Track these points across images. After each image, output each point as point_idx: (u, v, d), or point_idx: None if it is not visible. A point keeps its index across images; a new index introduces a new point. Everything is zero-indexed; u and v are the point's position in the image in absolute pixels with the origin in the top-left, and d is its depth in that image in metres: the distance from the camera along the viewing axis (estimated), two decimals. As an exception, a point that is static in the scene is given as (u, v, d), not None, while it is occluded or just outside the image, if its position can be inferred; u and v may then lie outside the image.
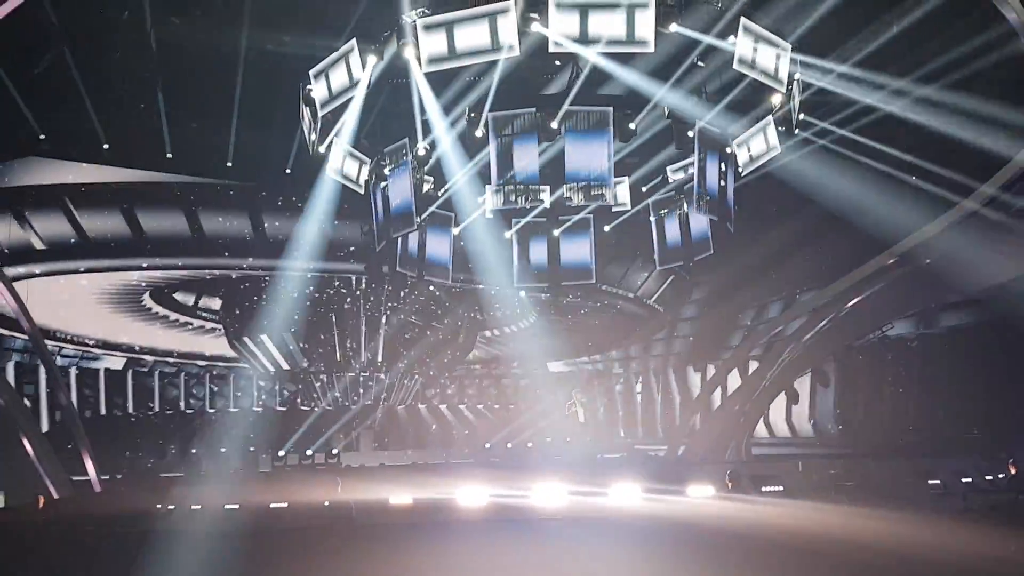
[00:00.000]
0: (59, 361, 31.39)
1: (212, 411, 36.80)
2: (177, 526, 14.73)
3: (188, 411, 36.78)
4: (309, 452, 28.16)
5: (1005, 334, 22.88)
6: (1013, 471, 14.79)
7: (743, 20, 11.61)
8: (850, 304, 21.98)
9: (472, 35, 11.04)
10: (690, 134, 13.38)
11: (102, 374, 34.95)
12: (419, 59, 11.30)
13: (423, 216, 14.63)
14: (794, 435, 30.08)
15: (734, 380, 28.22)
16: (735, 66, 11.82)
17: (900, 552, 11.35)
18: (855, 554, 11.27)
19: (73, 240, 21.21)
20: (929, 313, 25.58)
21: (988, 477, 16.46)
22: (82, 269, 22.47)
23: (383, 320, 28.59)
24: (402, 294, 28.12)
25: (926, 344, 25.57)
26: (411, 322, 29.12)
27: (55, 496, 18.89)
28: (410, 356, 29.80)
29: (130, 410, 35.53)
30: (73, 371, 33.47)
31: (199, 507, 15.51)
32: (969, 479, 15.96)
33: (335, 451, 28.69)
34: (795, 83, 12.49)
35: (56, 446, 20.57)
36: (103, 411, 34.65)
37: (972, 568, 10.42)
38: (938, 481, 15.32)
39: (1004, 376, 22.05)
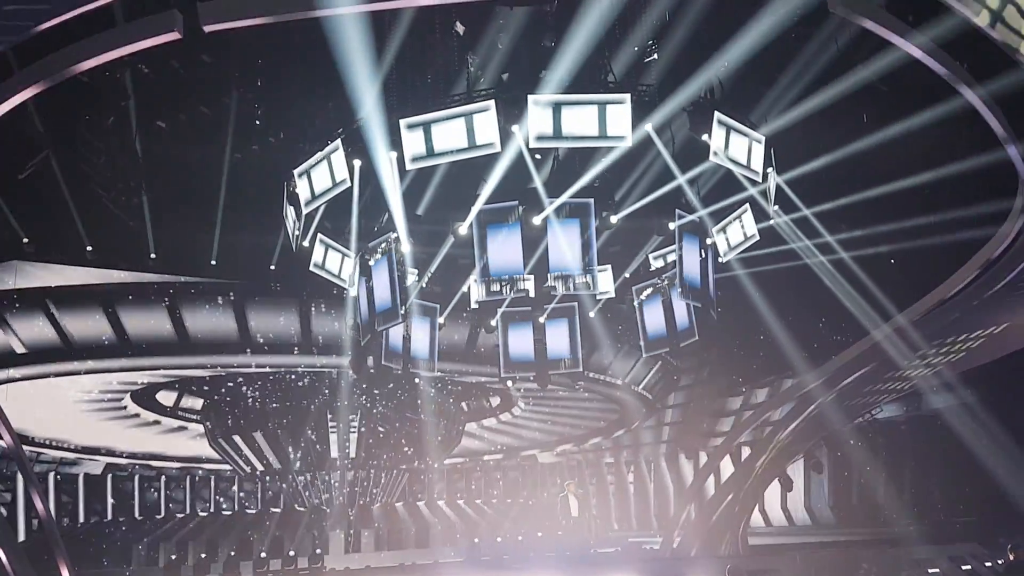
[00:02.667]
0: (37, 467, 30.69)
1: (193, 515, 35.89)
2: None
3: (168, 515, 35.86)
4: (292, 553, 27.33)
5: (988, 415, 22.88)
6: (1012, 557, 14.51)
7: (717, 114, 11.98)
8: (837, 388, 21.94)
9: (453, 134, 11.31)
10: (671, 226, 13.60)
11: (81, 479, 34.15)
12: (401, 158, 11.54)
13: (406, 307, 14.62)
14: (790, 523, 29.62)
15: (727, 467, 27.86)
16: (711, 157, 12.13)
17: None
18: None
19: (55, 343, 21.00)
20: (915, 395, 25.58)
21: (987, 564, 16.17)
22: (64, 372, 22.19)
23: (367, 416, 28.26)
24: (387, 388, 27.88)
25: (914, 427, 25.49)
26: (395, 416, 28.80)
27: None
28: (395, 451, 29.35)
29: (109, 516, 34.59)
30: (52, 477, 32.71)
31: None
32: (969, 567, 15.67)
33: (318, 551, 27.87)
34: (770, 172, 12.79)
35: (32, 556, 19.85)
36: (82, 518, 33.71)
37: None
38: (938, 570, 15.05)
39: (989, 458, 21.95)
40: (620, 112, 11.26)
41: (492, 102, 11.28)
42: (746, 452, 26.83)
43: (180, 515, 35.68)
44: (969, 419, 23.53)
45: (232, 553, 27.59)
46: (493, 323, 15.54)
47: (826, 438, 26.86)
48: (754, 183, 12.85)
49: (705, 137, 12.08)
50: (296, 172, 12.84)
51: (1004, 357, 21.55)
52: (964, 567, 15.60)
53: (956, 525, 21.66)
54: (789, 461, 27.54)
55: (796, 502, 29.35)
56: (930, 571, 15.07)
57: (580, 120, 11.25)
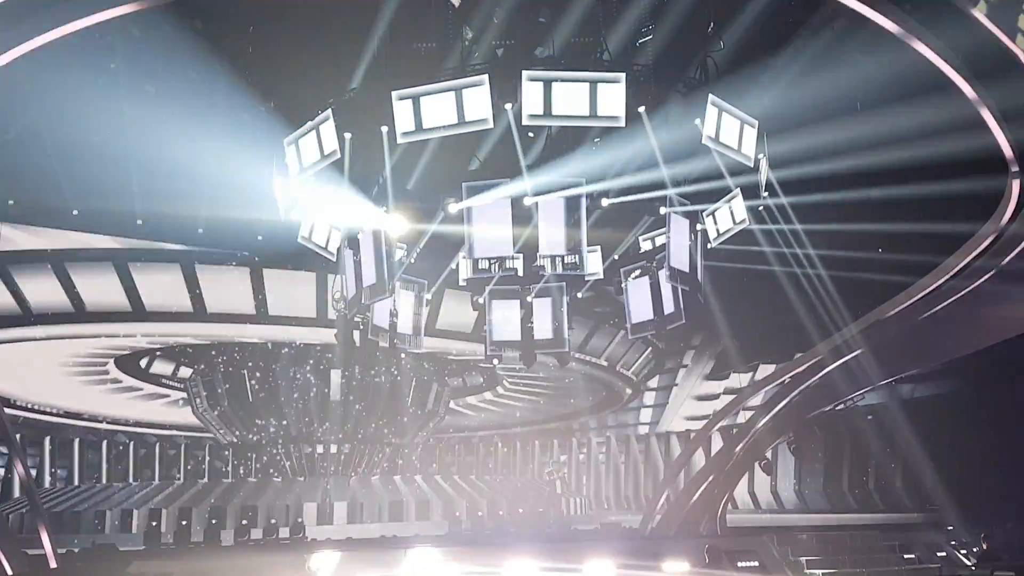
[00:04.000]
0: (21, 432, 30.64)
1: (175, 481, 35.90)
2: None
3: (148, 481, 35.84)
4: (273, 521, 27.45)
5: (967, 405, 23.13)
6: (985, 546, 14.81)
7: (711, 96, 11.92)
8: (820, 374, 22.08)
9: (445, 108, 11.21)
10: (662, 211, 13.58)
11: (47, 443, 34.08)
12: (392, 132, 11.45)
13: (393, 282, 14.58)
14: (756, 506, 29.94)
15: (706, 451, 28.08)
16: (703, 141, 12.08)
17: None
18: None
19: (37, 307, 20.86)
20: (893, 385, 25.81)
21: (962, 552, 16.44)
22: (50, 336, 22.08)
23: (352, 389, 28.29)
24: (373, 362, 27.90)
25: (890, 414, 25.77)
26: (382, 390, 28.85)
27: (9, 572, 18.13)
28: (380, 425, 29.43)
29: (76, 482, 34.58)
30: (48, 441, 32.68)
31: (158, 584, 14.94)
32: (943, 553, 15.92)
33: (300, 520, 27.99)
34: (762, 157, 12.75)
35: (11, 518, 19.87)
36: (47, 483, 33.68)
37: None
38: (913, 556, 15.30)
39: (967, 447, 22.21)
40: (614, 91, 11.18)
41: (486, 77, 11.19)
42: (727, 436, 27.06)
43: (160, 481, 35.74)
44: (942, 409, 23.81)
45: (213, 521, 27.67)
46: (480, 301, 15.55)
47: (805, 424, 27.09)
48: (745, 168, 12.83)
49: (697, 121, 12.03)
50: (286, 142, 12.72)
51: (986, 348, 21.73)
52: (939, 553, 15.84)
53: (927, 512, 21.95)
54: (768, 445, 27.78)
55: (763, 486, 29.67)
56: (905, 556, 15.30)
57: (574, 98, 11.17)
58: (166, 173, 17.81)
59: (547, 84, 11.12)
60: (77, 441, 34.89)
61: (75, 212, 18.89)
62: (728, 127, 11.98)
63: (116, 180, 17.37)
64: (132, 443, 36.56)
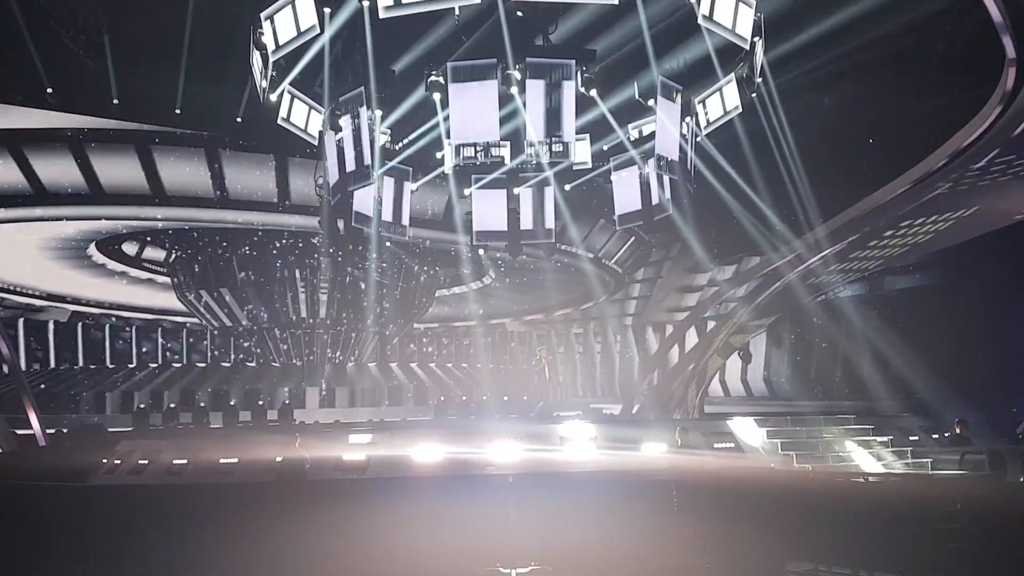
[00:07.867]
0: (2, 312, 30.63)
1: (160, 365, 36.28)
2: (124, 481, 14.46)
3: (136, 365, 36.20)
4: (260, 403, 27.97)
5: (951, 297, 23.46)
6: (959, 431, 15.29)
7: (708, -27, 11.46)
8: (802, 266, 22.20)
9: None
10: (651, 102, 13.26)
11: (51, 326, 34.22)
12: (374, 6, 10.99)
13: (379, 170, 14.34)
14: (748, 394, 30.63)
15: (690, 340, 28.51)
16: (699, 21, 11.69)
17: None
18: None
19: (17, 186, 20.46)
20: (878, 276, 26.07)
21: (935, 436, 17.00)
22: (26, 218, 21.79)
23: (338, 277, 28.29)
24: (358, 250, 27.77)
25: (876, 306, 26.13)
26: (367, 278, 28.86)
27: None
28: (366, 313, 29.59)
29: (80, 364, 34.90)
30: (20, 323, 32.74)
31: (147, 462, 15.20)
32: (916, 437, 16.46)
33: (287, 401, 28.49)
34: (758, 40, 12.36)
35: (-1, 399, 20.09)
36: (52, 364, 34.00)
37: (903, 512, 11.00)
38: (889, 437, 15.86)
39: (951, 338, 22.60)
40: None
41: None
42: (709, 326, 27.44)
43: (152, 365, 36.10)
44: (929, 300, 24.11)
45: (202, 404, 28.15)
46: (467, 191, 15.35)
47: (790, 314, 27.48)
48: (740, 51, 12.48)
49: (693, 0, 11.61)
50: (262, 16, 12.19)
51: (967, 242, 21.88)
52: (912, 437, 16.37)
53: (906, 400, 22.60)
54: (750, 336, 28.23)
55: (755, 374, 30.25)
56: (879, 439, 15.80)
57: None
58: (141, 50, 17.16)
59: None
60: (79, 325, 34.94)
61: (49, 90, 18.26)
62: (723, 5, 11.55)
63: (91, 55, 16.73)
64: (108, 327, 36.66)
